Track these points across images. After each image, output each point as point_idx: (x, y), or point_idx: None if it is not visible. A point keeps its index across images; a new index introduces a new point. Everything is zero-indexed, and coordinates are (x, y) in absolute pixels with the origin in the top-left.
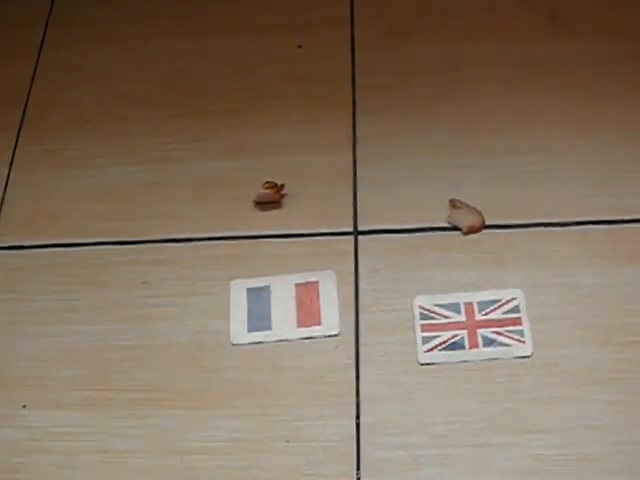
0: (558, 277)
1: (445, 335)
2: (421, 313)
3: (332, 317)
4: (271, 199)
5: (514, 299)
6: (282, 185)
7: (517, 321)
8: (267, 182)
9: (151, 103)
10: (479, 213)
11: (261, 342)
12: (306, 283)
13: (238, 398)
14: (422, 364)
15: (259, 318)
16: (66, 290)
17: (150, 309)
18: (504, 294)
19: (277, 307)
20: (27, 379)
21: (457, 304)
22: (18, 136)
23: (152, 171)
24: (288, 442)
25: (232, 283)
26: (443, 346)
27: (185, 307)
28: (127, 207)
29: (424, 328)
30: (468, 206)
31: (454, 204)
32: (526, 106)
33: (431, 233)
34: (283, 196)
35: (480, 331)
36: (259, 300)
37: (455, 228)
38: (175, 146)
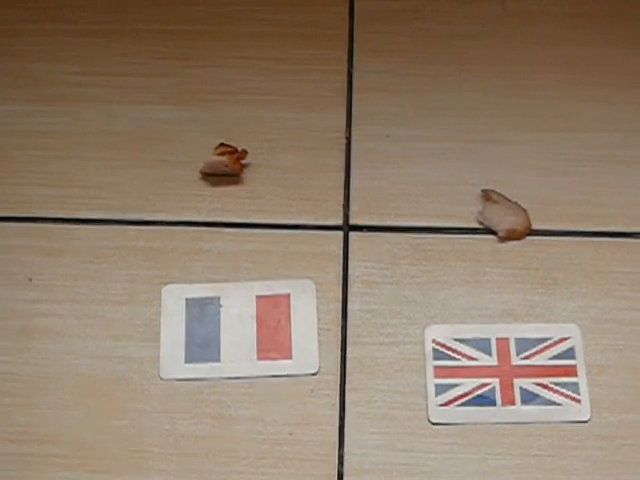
0: (631, 310)
1: (468, 384)
2: (435, 350)
3: (308, 348)
4: (227, 170)
5: (567, 339)
6: (244, 151)
7: (571, 370)
8: (222, 145)
9: (53, 10)
10: (524, 212)
11: (204, 379)
12: (272, 296)
13: (166, 459)
14: (434, 424)
15: (202, 344)
16: None
17: (38, 320)
18: (554, 331)
19: (229, 329)
20: None
21: (487, 340)
22: None
23: (48, 114)
24: None
25: (165, 289)
26: (465, 399)
27: (91, 320)
28: (6, 167)
29: (439, 372)
30: (509, 201)
31: (489, 197)
32: (598, 62)
33: (454, 236)
34: (244, 167)
35: (518, 381)
36: (203, 317)
37: (489, 231)
38: (86, 79)
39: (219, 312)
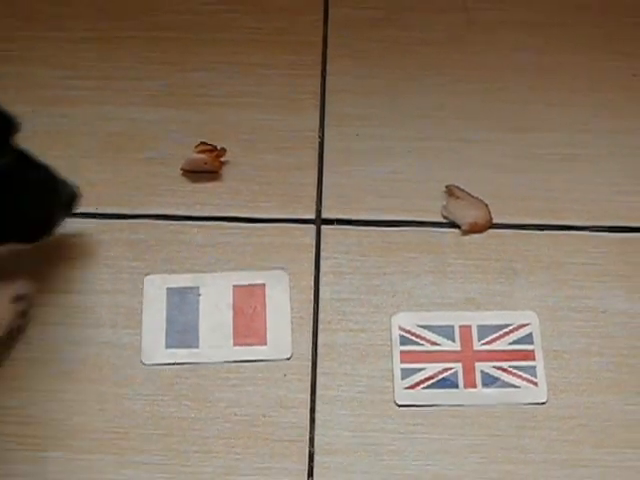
0: (585, 299)
1: (432, 368)
2: (402, 336)
3: (281, 335)
4: (206, 167)
5: (526, 325)
6: (222, 149)
7: (529, 355)
8: (202, 143)
9: (48, 18)
10: (485, 207)
11: (183, 363)
12: (248, 286)
13: (146, 440)
14: (400, 405)
15: (182, 330)
16: None
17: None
18: (513, 318)
19: (207, 316)
20: None
21: (450, 327)
22: None
23: (40, 115)
24: None
25: (147, 279)
26: (429, 383)
27: (76, 308)
28: None
29: (405, 357)
30: (471, 196)
31: (452, 192)
32: (557, 68)
33: (420, 229)
34: (223, 164)
35: (479, 365)
36: (183, 305)
37: (452, 224)
38: (77, 83)
39: (198, 301)
